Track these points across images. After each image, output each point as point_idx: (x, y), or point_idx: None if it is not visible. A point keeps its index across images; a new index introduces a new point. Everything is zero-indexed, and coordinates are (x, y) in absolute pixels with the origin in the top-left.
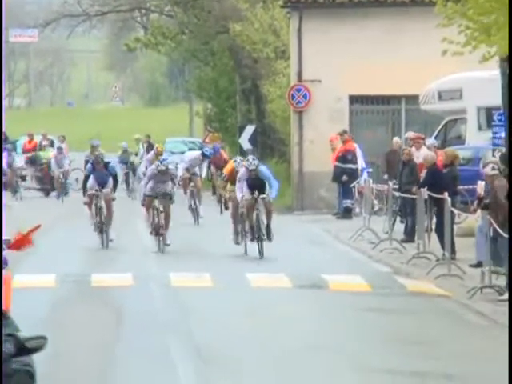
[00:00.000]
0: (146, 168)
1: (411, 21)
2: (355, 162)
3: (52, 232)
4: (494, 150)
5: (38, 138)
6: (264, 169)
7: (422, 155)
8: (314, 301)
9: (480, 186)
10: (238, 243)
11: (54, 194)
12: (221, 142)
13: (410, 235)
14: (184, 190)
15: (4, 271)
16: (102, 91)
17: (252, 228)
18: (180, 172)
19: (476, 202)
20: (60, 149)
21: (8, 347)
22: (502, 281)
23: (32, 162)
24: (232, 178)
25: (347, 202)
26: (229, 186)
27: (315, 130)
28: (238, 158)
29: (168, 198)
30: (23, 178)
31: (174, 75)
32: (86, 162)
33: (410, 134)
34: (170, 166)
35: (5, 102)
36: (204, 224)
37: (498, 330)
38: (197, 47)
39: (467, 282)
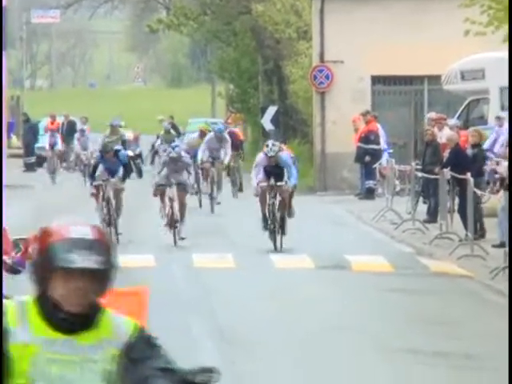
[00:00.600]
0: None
1: (434, 1)
2: (378, 143)
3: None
4: None
5: (60, 119)
6: (284, 155)
7: (444, 135)
8: (336, 282)
9: (503, 167)
10: (265, 229)
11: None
12: (243, 123)
13: (432, 216)
14: (205, 176)
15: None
16: (124, 72)
17: (264, 217)
18: (200, 156)
19: (499, 183)
20: (82, 131)
21: None
22: None
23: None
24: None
25: (370, 183)
26: None
27: (337, 110)
28: (270, 142)
29: (182, 187)
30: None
31: (196, 56)
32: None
33: (432, 115)
34: (183, 154)
35: (27, 83)
36: (221, 207)
37: None
38: (219, 28)
39: (490, 263)
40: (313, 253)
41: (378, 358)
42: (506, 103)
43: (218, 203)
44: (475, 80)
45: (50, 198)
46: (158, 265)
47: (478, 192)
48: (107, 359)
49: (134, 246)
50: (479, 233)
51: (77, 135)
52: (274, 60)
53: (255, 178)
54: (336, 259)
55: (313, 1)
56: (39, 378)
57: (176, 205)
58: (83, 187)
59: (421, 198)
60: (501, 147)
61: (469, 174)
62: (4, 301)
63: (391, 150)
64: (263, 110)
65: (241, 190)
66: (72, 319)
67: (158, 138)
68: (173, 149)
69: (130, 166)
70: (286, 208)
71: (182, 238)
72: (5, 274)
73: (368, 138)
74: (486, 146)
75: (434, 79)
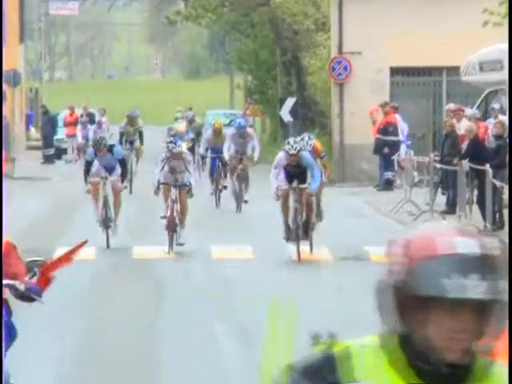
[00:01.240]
0: (207, 149)
1: None
2: (396, 134)
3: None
4: None
5: (78, 111)
6: (307, 154)
7: (463, 127)
8: (355, 273)
9: None
10: (288, 240)
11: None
12: (261, 115)
13: (451, 207)
14: (231, 173)
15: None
16: (143, 64)
17: (287, 225)
18: (225, 153)
19: None
20: (100, 123)
21: None
22: None
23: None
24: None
25: (388, 174)
26: None
27: (356, 102)
28: (292, 139)
29: (185, 190)
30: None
31: (214, 47)
32: (121, 134)
33: (451, 106)
34: (185, 150)
35: (45, 75)
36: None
37: None
38: (237, 19)
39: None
40: (332, 244)
41: None
42: None
43: (246, 201)
44: (494, 71)
45: (68, 191)
46: (177, 256)
47: (497, 183)
48: None
49: (151, 236)
50: (498, 224)
51: (93, 127)
52: (292, 51)
53: (275, 180)
54: (355, 251)
55: None
56: None
57: (178, 207)
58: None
59: (439, 190)
60: None
61: (487, 165)
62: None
63: (409, 142)
64: (281, 102)
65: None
66: (449, 371)
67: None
68: (174, 144)
69: (126, 163)
70: (312, 212)
71: (181, 244)
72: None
73: (386, 129)
74: None
75: (453, 70)
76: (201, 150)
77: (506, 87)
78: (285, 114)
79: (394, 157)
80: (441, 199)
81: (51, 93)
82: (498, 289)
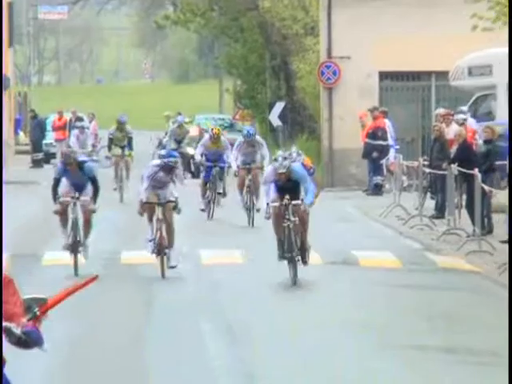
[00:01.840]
0: (202, 155)
1: None
2: (385, 139)
3: None
4: None
5: (67, 116)
6: (297, 167)
7: (452, 131)
8: (344, 277)
9: None
10: (281, 259)
11: None
12: (251, 119)
13: (440, 211)
14: (240, 187)
15: None
16: (132, 68)
17: (281, 243)
18: (233, 165)
19: (507, 179)
20: (82, 128)
21: None
22: None
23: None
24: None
25: (377, 179)
26: None
27: (345, 106)
28: (280, 156)
29: (170, 206)
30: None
31: (203, 52)
32: (110, 139)
33: (441, 111)
34: (179, 165)
35: (34, 79)
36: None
37: None
38: (226, 24)
39: (497, 258)
40: (320, 248)
41: (383, 354)
42: None
43: (258, 210)
44: (483, 76)
45: None
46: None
47: (486, 188)
48: None
49: (140, 241)
50: (487, 228)
51: (75, 132)
52: (281, 56)
53: (266, 196)
54: (344, 255)
55: None
56: None
57: (164, 226)
58: None
59: (428, 194)
60: None
61: (476, 170)
62: None
63: (398, 146)
64: (271, 106)
65: (224, 194)
66: None
67: (166, 134)
68: (169, 156)
69: (97, 182)
70: (306, 231)
71: (173, 267)
72: None
73: (375, 134)
74: None
75: (442, 75)
76: (196, 156)
77: (496, 91)
78: (274, 118)
79: (383, 161)
80: (430, 204)
81: (40, 97)
82: None
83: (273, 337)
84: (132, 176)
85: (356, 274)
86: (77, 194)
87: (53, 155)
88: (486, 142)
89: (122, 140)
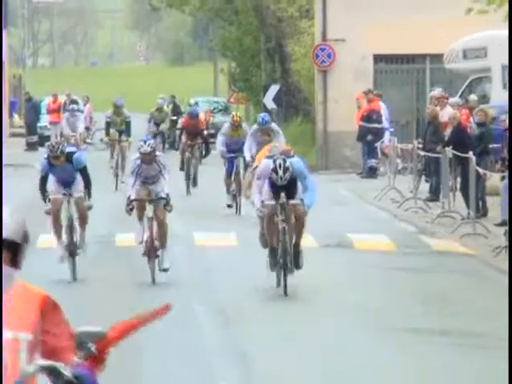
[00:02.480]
0: (227, 147)
1: None
2: (380, 122)
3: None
4: None
5: (62, 98)
6: (296, 162)
7: (446, 114)
8: (339, 260)
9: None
10: (273, 269)
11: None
12: (246, 102)
13: (434, 194)
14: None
15: None
16: (127, 51)
17: (273, 250)
18: (247, 155)
19: (500, 162)
20: (73, 111)
21: None
22: None
23: None
24: None
25: (372, 162)
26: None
27: (339, 89)
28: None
29: (162, 203)
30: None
31: (198, 34)
32: (107, 123)
33: (435, 93)
34: (158, 152)
35: (29, 62)
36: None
37: None
38: (221, 6)
39: (492, 241)
40: (315, 231)
41: (380, 336)
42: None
43: None
44: (477, 58)
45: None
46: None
47: (480, 171)
48: None
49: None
50: (481, 211)
51: (67, 115)
52: (276, 38)
53: (258, 194)
54: (339, 238)
55: None
56: None
57: (155, 225)
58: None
59: (423, 177)
60: None
61: (471, 153)
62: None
63: (393, 129)
64: (265, 89)
65: (195, 184)
66: None
67: (150, 118)
68: (144, 142)
69: (88, 175)
70: (301, 233)
71: (165, 270)
72: None
73: (370, 116)
74: None
75: (437, 58)
76: (218, 146)
77: (491, 74)
78: (268, 101)
79: (378, 144)
80: (424, 186)
81: (34, 79)
82: None
83: (266, 318)
84: (127, 165)
85: (351, 257)
86: (67, 191)
87: (47, 138)
88: (480, 124)
89: (119, 124)
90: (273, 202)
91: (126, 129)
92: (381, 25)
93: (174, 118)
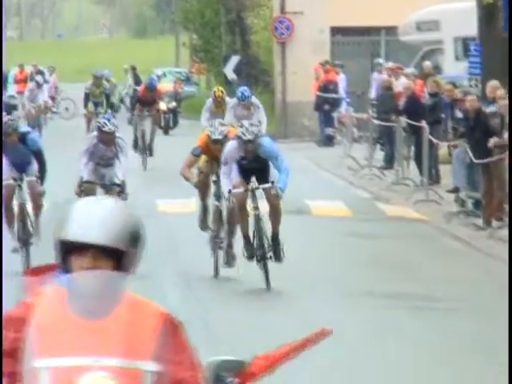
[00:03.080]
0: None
1: None
2: (337, 92)
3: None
4: (469, 80)
5: (28, 69)
6: (267, 142)
7: (400, 84)
8: (297, 226)
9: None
10: (250, 257)
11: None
12: (207, 73)
13: (389, 162)
14: None
15: None
16: (92, 24)
17: (247, 239)
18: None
19: (452, 132)
20: (38, 83)
21: None
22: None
23: None
24: (209, 153)
25: (329, 130)
26: (202, 165)
27: (298, 61)
28: (216, 122)
29: (115, 190)
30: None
31: (160, 8)
32: (86, 94)
33: (389, 64)
34: (118, 134)
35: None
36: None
37: (474, 254)
38: None
39: (444, 207)
40: None
41: (339, 302)
42: (460, 53)
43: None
44: (430, 31)
45: None
46: None
47: (433, 140)
48: None
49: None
50: (434, 179)
51: (30, 85)
52: (236, 11)
53: (227, 180)
54: (297, 204)
55: None
56: None
57: None
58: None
59: (378, 146)
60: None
61: (424, 122)
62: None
63: (348, 100)
64: (226, 60)
65: (151, 154)
66: None
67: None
68: (108, 120)
69: (43, 157)
70: (279, 222)
71: None
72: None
73: (327, 87)
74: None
75: (392, 30)
76: (203, 122)
77: (444, 46)
78: (229, 71)
79: (335, 113)
80: (379, 155)
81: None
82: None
83: (229, 280)
84: None
85: (309, 223)
86: (19, 175)
87: (14, 107)
88: (432, 95)
89: (98, 96)
90: (242, 189)
91: (105, 100)
92: None
93: (137, 87)
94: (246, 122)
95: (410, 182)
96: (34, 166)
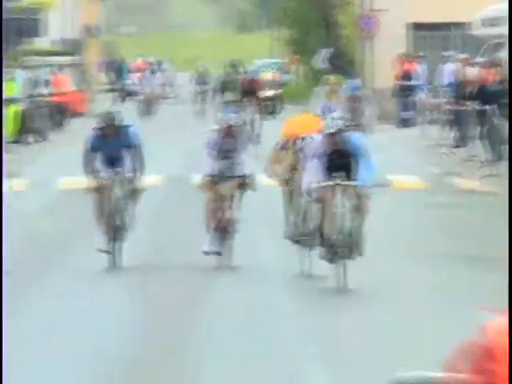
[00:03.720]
0: (327, 112)
1: None
2: (416, 79)
3: (152, 145)
4: None
5: (145, 60)
6: (357, 137)
7: (470, 73)
8: (380, 198)
9: None
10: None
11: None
12: (299, 63)
13: (460, 141)
14: None
15: None
16: (199, 20)
17: (328, 239)
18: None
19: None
20: (152, 71)
21: None
22: None
23: None
24: (291, 149)
25: (407, 114)
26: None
27: (382, 53)
28: (332, 115)
29: (241, 182)
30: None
31: (261, 5)
32: (196, 90)
33: (461, 56)
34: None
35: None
36: None
37: None
38: None
39: (506, 181)
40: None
41: (410, 263)
42: None
43: None
44: (494, 26)
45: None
46: None
47: (496, 121)
48: None
49: None
50: (498, 156)
51: (147, 74)
52: (327, 8)
53: (309, 175)
54: (379, 178)
55: None
56: None
57: (229, 211)
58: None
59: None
60: None
61: (491, 107)
62: None
63: (426, 86)
64: (316, 52)
65: (257, 141)
66: None
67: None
68: (230, 116)
69: (142, 152)
70: (364, 218)
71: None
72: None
73: (405, 76)
74: None
75: (463, 26)
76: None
77: (504, 40)
78: (319, 62)
79: (415, 98)
80: (450, 135)
81: (125, 45)
82: None
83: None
84: None
85: (390, 195)
86: (115, 170)
87: (133, 93)
88: (499, 82)
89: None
90: (329, 183)
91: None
92: None
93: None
94: (331, 115)
95: (477, 159)
96: (127, 161)
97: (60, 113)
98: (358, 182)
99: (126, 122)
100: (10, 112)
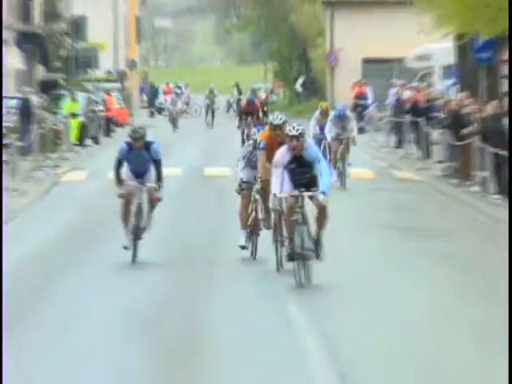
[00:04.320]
0: (319, 130)
1: (403, 10)
2: (366, 99)
3: (175, 147)
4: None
5: (172, 85)
6: (311, 144)
7: (406, 95)
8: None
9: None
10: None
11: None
12: (283, 87)
13: (399, 144)
14: (334, 154)
15: None
16: (211, 56)
17: (291, 241)
18: (328, 136)
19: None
20: (176, 93)
21: None
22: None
23: None
24: (272, 151)
25: (361, 124)
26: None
27: (341, 79)
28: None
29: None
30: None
31: (255, 46)
32: (207, 105)
33: (399, 82)
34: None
35: (152, 63)
36: None
37: (454, 203)
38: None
39: (434, 172)
40: None
41: (360, 232)
42: (445, 75)
43: (349, 164)
44: (426, 60)
45: (167, 133)
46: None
47: (425, 129)
48: None
49: (218, 159)
50: (427, 154)
51: (173, 95)
52: (303, 47)
53: (276, 184)
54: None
55: (325, 10)
56: None
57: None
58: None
59: (392, 133)
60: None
61: (420, 119)
62: None
63: (375, 104)
64: (296, 79)
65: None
66: None
67: (207, 105)
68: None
69: (161, 168)
70: (324, 224)
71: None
72: None
73: (359, 96)
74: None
75: (401, 60)
76: (311, 129)
77: (434, 70)
78: (298, 87)
79: (365, 113)
80: (393, 139)
81: (156, 74)
82: None
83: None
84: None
85: (347, 182)
86: (140, 181)
87: (163, 109)
88: (427, 101)
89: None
90: (290, 195)
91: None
92: (369, 39)
93: (240, 97)
94: (294, 124)
95: (412, 157)
96: (151, 174)
97: (109, 124)
98: (319, 191)
99: (150, 138)
100: (74, 123)
